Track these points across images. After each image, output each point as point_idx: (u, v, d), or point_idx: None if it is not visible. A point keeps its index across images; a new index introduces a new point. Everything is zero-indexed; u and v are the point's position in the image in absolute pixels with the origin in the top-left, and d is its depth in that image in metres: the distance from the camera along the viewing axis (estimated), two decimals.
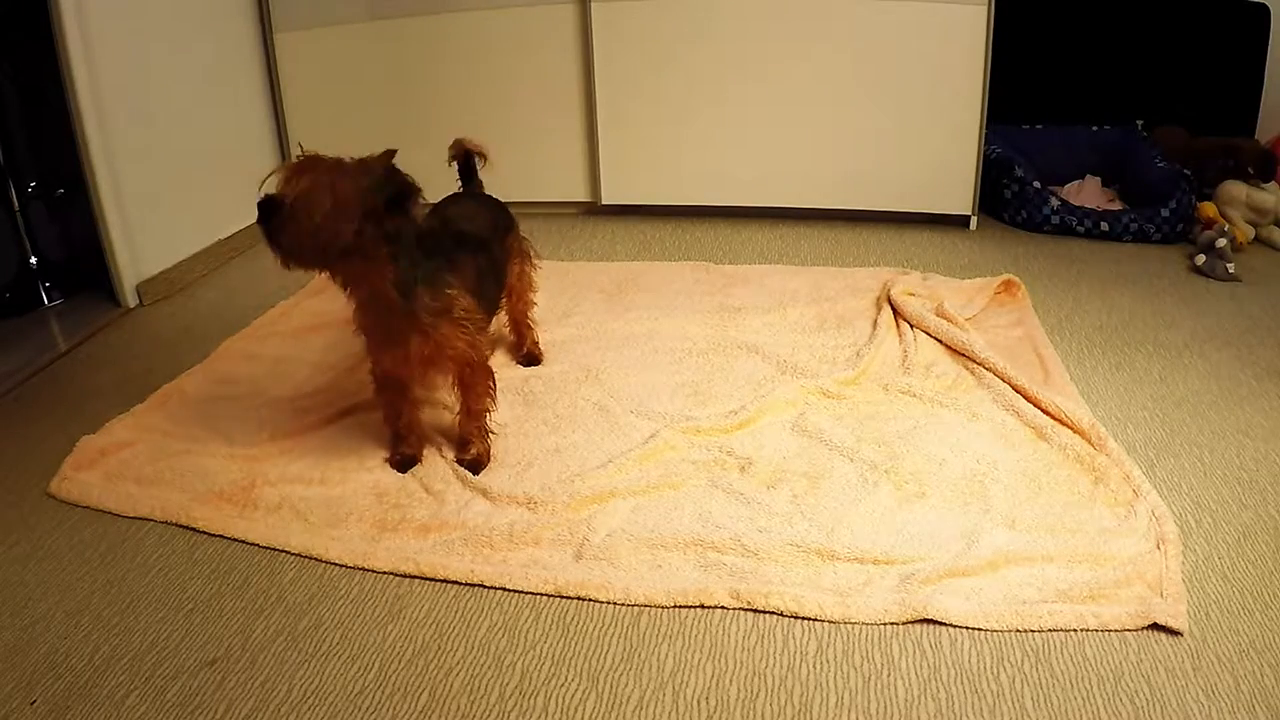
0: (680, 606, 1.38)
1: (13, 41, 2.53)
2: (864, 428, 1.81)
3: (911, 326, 2.19)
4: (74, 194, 2.57)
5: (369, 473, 1.72)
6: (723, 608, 1.37)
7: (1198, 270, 2.61)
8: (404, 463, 1.74)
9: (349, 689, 1.26)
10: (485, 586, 1.44)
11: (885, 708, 1.20)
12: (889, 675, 1.25)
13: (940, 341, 2.12)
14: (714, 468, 1.70)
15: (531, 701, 1.23)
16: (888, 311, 2.27)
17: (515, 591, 1.42)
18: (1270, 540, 1.48)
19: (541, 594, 1.42)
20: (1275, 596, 1.36)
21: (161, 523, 1.62)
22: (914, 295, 2.31)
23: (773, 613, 1.36)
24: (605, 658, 1.30)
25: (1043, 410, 1.81)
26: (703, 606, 1.38)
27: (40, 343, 2.40)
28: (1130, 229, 2.87)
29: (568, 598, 1.41)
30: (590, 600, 1.40)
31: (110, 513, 1.65)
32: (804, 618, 1.35)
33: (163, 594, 1.45)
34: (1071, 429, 1.75)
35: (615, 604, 1.39)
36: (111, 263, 2.58)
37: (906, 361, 2.06)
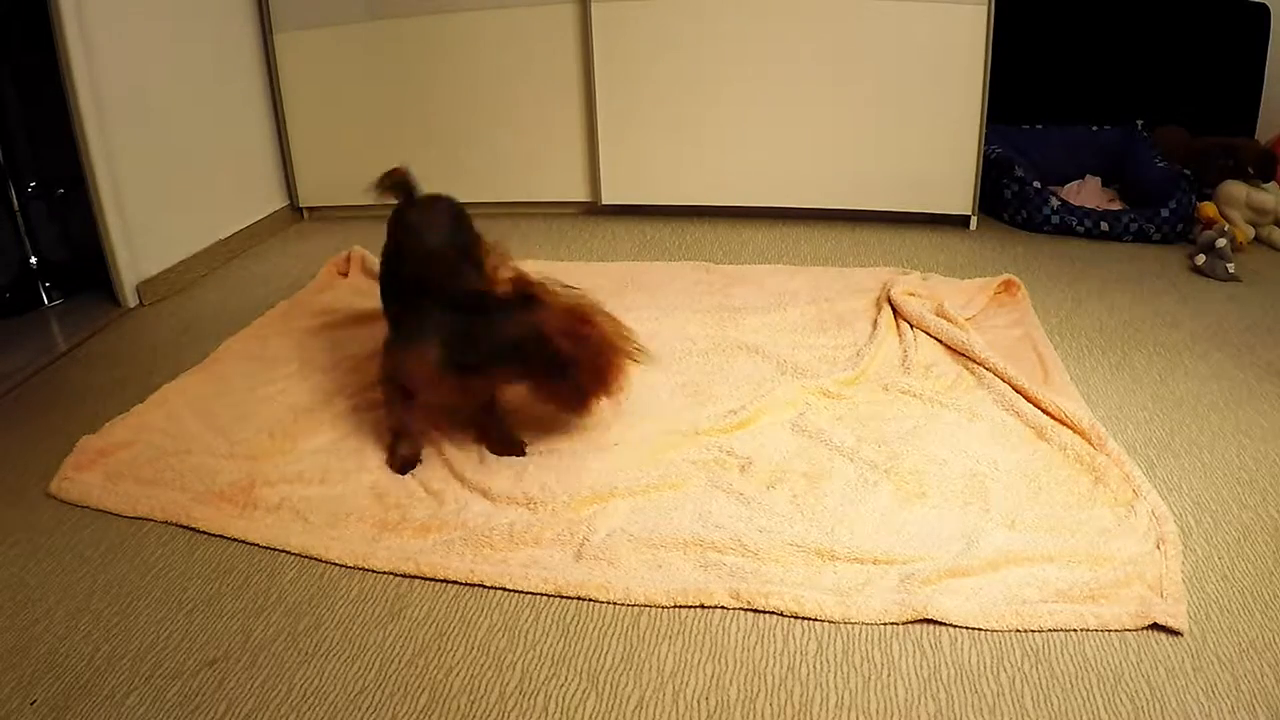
0: (680, 606, 1.38)
1: (13, 41, 2.53)
2: (864, 428, 1.81)
3: (911, 326, 2.19)
4: (74, 194, 2.57)
5: (369, 473, 1.72)
6: (723, 608, 1.37)
7: (1198, 270, 2.61)
8: (404, 465, 1.74)
9: (349, 689, 1.26)
10: (485, 586, 1.44)
11: (885, 708, 1.20)
12: (889, 675, 1.25)
13: (940, 341, 2.12)
14: (714, 468, 1.70)
15: (531, 701, 1.23)
16: (888, 311, 2.27)
17: (515, 591, 1.42)
18: (1270, 540, 1.48)
19: (541, 594, 1.42)
20: (1275, 596, 1.36)
21: (161, 523, 1.62)
22: (914, 295, 2.31)
23: (773, 612, 1.36)
24: (605, 658, 1.30)
25: (1043, 410, 1.81)
26: (703, 606, 1.38)
27: (40, 343, 2.40)
28: (1130, 229, 2.87)
29: (568, 598, 1.41)
30: (590, 600, 1.40)
31: (110, 513, 1.65)
32: (804, 618, 1.35)
33: (163, 594, 1.45)
34: (1072, 429, 1.75)
35: (615, 604, 1.39)
36: (111, 263, 2.58)
37: (906, 361, 2.06)
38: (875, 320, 2.26)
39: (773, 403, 1.89)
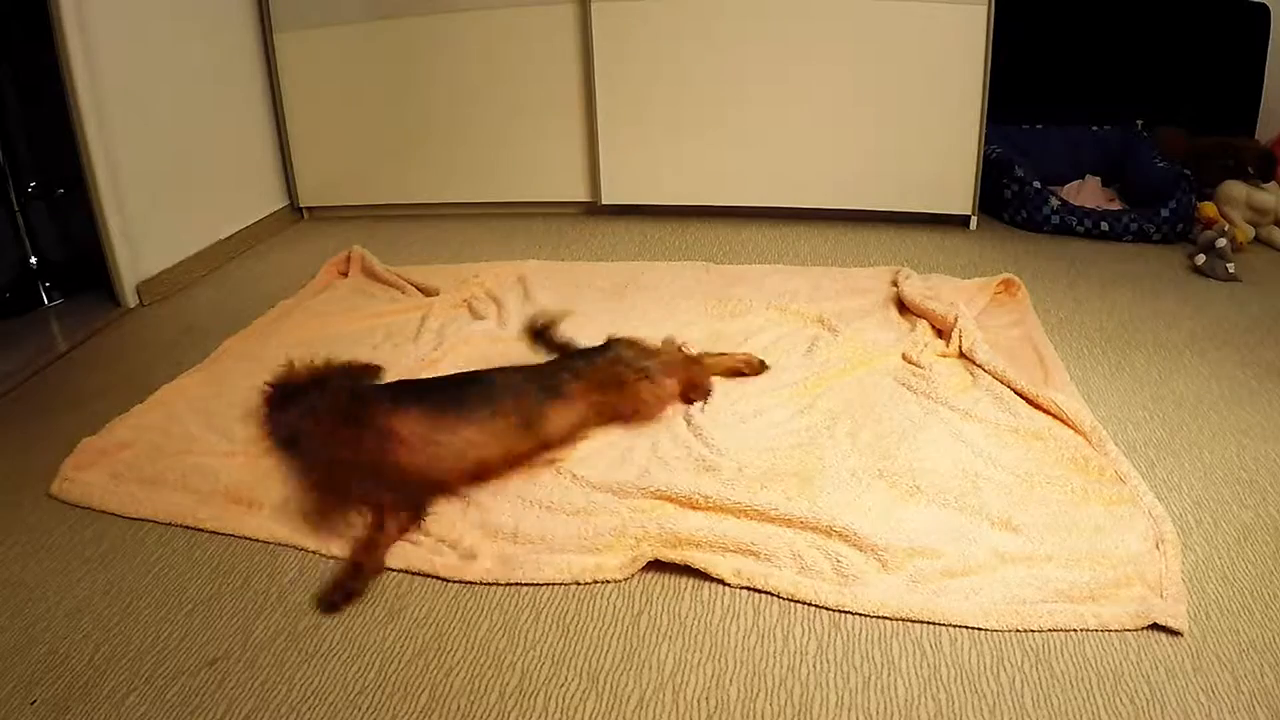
0: (684, 573, 1.38)
1: (13, 41, 2.53)
2: (860, 426, 1.81)
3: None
4: (74, 194, 2.58)
5: None
6: (724, 583, 1.40)
7: (1198, 270, 2.61)
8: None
9: (349, 689, 1.26)
10: (485, 585, 1.44)
11: (885, 708, 1.20)
12: (889, 675, 1.25)
13: (941, 335, 2.14)
14: (710, 466, 1.70)
15: (531, 701, 1.23)
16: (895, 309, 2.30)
17: (516, 588, 1.43)
18: (1270, 540, 1.48)
19: (547, 585, 1.42)
20: (1275, 596, 1.36)
21: (162, 523, 1.62)
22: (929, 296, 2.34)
23: (772, 594, 1.37)
24: (605, 658, 1.30)
25: (1043, 410, 1.81)
26: (706, 577, 1.40)
27: (40, 343, 2.40)
28: (1130, 229, 2.86)
29: (566, 585, 1.42)
30: (600, 582, 1.42)
31: (111, 513, 1.65)
32: (801, 601, 1.36)
33: (163, 594, 1.45)
34: (1073, 429, 1.75)
35: (619, 592, 1.39)
36: (111, 263, 2.58)
37: (917, 349, 2.08)
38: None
39: (770, 401, 1.89)
